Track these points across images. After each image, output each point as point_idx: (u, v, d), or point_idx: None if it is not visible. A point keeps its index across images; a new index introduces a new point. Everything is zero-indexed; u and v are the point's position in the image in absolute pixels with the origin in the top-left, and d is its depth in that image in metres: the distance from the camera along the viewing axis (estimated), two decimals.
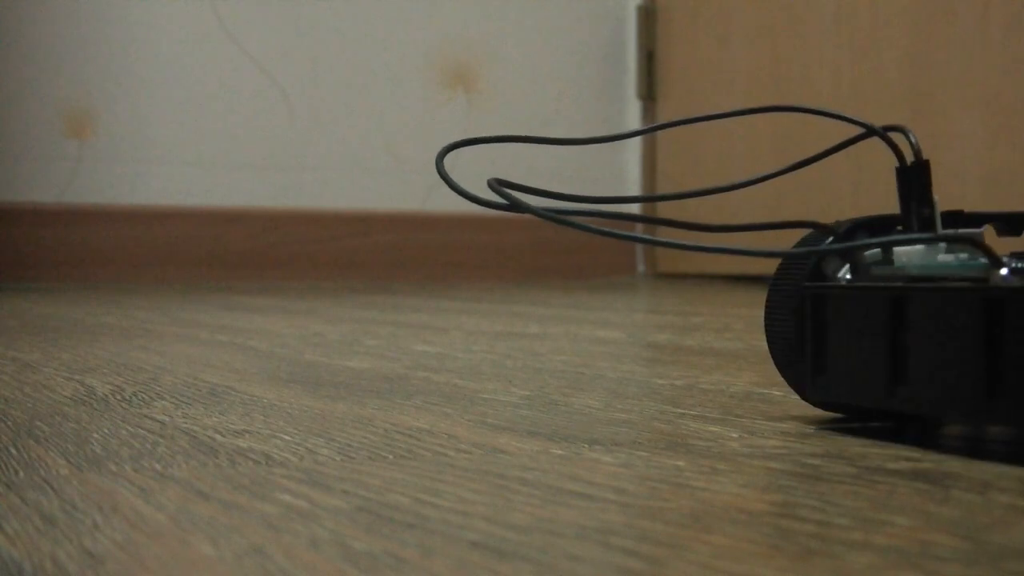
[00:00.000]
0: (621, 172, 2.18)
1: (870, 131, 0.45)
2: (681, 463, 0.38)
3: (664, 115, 2.13)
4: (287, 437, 0.44)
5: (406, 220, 2.06)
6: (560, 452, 0.40)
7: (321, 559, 0.27)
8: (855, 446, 0.41)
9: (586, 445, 0.42)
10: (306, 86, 2.02)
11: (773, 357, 0.48)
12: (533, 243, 2.13)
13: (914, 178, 0.45)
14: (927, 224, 0.45)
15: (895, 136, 0.46)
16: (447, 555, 0.27)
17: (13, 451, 0.41)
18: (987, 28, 1.64)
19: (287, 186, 2.01)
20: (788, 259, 0.47)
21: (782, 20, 1.92)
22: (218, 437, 0.44)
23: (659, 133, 2.12)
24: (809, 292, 0.44)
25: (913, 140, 0.45)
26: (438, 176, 2.20)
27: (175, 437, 0.44)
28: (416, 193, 2.08)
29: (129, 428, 0.46)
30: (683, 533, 0.29)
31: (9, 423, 0.47)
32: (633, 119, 2.17)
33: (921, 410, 0.39)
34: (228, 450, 0.41)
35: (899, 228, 0.46)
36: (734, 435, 0.43)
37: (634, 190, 2.17)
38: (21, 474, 0.37)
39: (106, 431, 0.45)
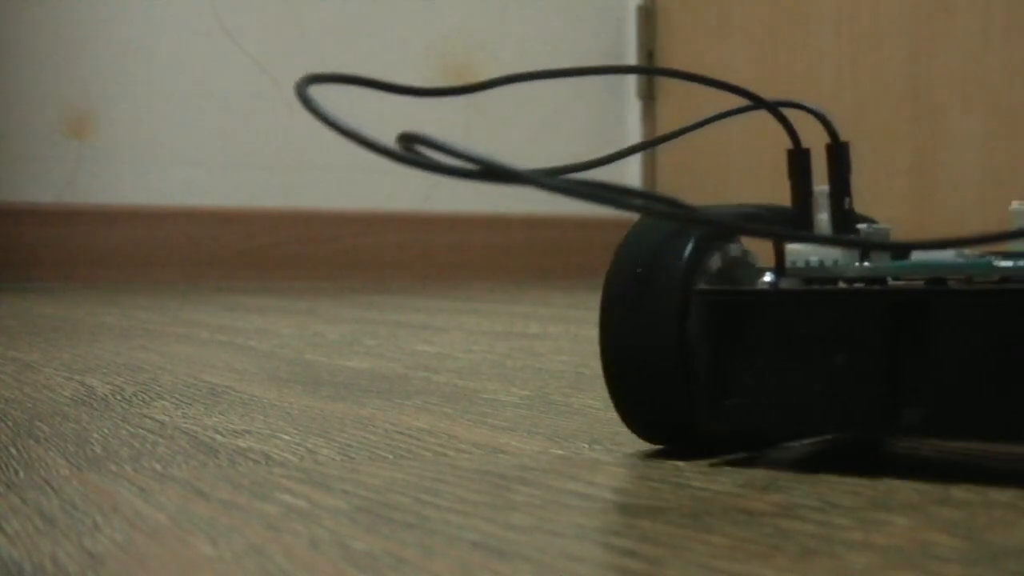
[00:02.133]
0: (622, 174, 2.17)
1: (758, 103, 0.39)
2: (681, 463, 0.38)
3: (664, 115, 2.13)
4: (287, 437, 0.44)
5: (406, 220, 2.06)
6: (560, 452, 0.40)
7: (321, 559, 0.27)
8: (855, 446, 0.41)
9: (586, 445, 0.42)
10: None
11: (620, 374, 0.39)
12: (533, 243, 2.13)
13: (839, 160, 0.39)
14: (845, 218, 0.39)
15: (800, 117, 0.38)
16: (447, 555, 0.27)
17: (13, 451, 0.41)
18: (987, 28, 1.64)
19: (287, 186, 2.01)
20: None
21: (782, 20, 1.92)
22: (218, 437, 0.44)
23: (661, 133, 2.12)
24: (718, 299, 0.37)
25: (822, 116, 0.39)
26: (438, 176, 2.19)
27: (175, 437, 0.44)
28: (416, 193, 2.08)
29: (129, 428, 0.46)
30: (683, 533, 0.29)
31: (9, 423, 0.47)
32: (633, 119, 2.17)
33: (931, 433, 0.34)
34: (228, 450, 0.41)
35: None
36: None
37: (634, 169, 2.17)
38: (21, 474, 0.37)
39: (106, 431, 0.45)
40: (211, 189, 1.97)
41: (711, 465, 0.37)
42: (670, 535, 0.29)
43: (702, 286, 0.38)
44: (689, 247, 0.38)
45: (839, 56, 1.83)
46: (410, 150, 0.33)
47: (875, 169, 1.75)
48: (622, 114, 2.17)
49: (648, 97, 2.15)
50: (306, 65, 2.02)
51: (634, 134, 2.18)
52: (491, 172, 0.32)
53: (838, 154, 0.40)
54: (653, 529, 0.29)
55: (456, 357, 0.72)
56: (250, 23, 1.99)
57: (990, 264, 0.35)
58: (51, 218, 1.88)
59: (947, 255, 0.36)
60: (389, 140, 0.32)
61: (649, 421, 0.39)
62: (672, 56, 2.12)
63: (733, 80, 0.37)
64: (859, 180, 1.88)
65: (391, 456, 0.40)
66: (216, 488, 0.35)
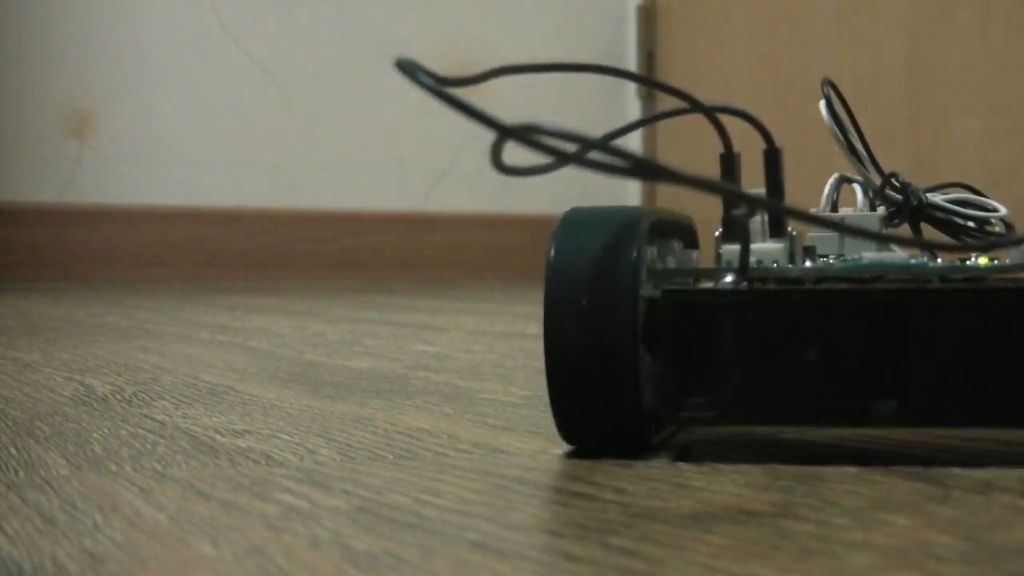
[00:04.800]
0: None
1: (696, 107, 0.41)
2: (681, 463, 0.38)
3: None
4: (287, 437, 0.44)
5: (406, 220, 2.06)
6: (560, 452, 0.40)
7: (321, 559, 0.27)
8: (855, 444, 0.41)
9: None
10: (306, 86, 2.02)
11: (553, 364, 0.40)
12: (533, 243, 2.13)
13: (773, 165, 0.43)
14: (779, 222, 0.41)
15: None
16: (447, 555, 0.27)
17: (13, 451, 0.41)
18: (987, 28, 1.64)
19: (287, 186, 2.01)
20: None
21: (782, 20, 1.92)
22: (218, 437, 0.44)
23: (660, 130, 2.12)
24: (692, 300, 0.38)
25: (758, 122, 0.41)
26: (438, 176, 2.19)
27: (175, 437, 0.44)
28: (416, 193, 2.08)
29: (129, 428, 0.46)
30: (683, 533, 0.29)
31: (9, 423, 0.47)
32: (633, 119, 2.17)
33: (912, 423, 0.37)
34: (228, 450, 0.41)
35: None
36: (734, 434, 0.43)
37: (634, 188, 2.17)
38: (21, 474, 0.37)
39: (106, 431, 0.45)
40: (211, 189, 1.97)
41: (710, 465, 0.37)
42: (670, 535, 0.29)
43: (668, 286, 0.39)
44: (635, 244, 0.39)
45: (839, 56, 1.83)
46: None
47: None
48: (622, 114, 2.17)
49: (648, 97, 2.15)
50: (306, 65, 2.02)
51: (634, 135, 2.18)
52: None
53: (772, 160, 0.43)
54: (653, 529, 0.29)
55: (456, 357, 0.72)
56: (250, 23, 1.99)
57: (925, 264, 0.39)
58: (51, 218, 1.88)
59: (897, 256, 0.40)
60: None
61: (596, 425, 0.39)
62: (672, 56, 2.12)
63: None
64: None
65: (391, 456, 0.40)
66: (216, 488, 0.35)
